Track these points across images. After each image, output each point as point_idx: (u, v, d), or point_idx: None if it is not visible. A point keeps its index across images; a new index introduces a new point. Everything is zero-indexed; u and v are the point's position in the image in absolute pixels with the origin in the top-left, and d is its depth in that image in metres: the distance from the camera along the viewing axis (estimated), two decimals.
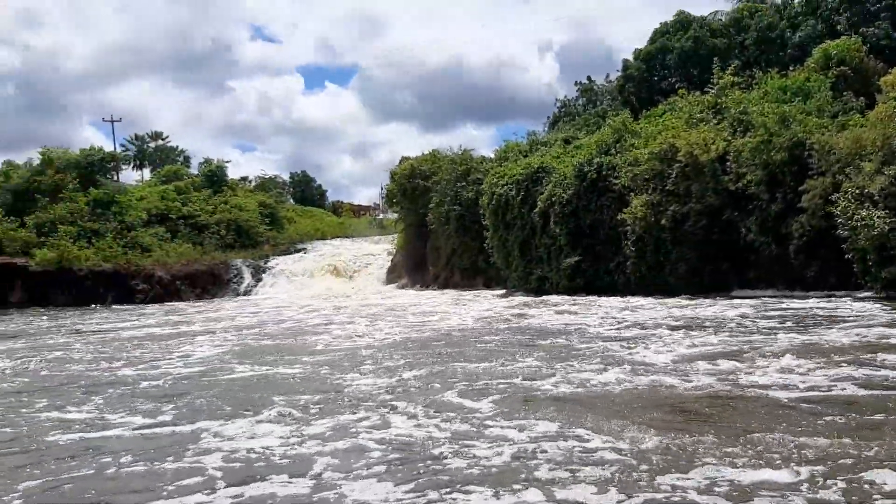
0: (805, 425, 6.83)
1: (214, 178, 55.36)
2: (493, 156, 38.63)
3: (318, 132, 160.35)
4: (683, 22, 39.55)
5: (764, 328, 14.19)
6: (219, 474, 6.17)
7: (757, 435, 6.52)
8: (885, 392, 8.13)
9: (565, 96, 51.99)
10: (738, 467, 5.69)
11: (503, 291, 31.29)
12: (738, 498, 5.13)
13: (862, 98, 24.08)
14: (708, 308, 18.91)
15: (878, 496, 5.03)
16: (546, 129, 47.75)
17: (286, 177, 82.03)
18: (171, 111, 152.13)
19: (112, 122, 67.22)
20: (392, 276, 44.10)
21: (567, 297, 25.39)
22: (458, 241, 36.55)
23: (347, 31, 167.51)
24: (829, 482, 5.29)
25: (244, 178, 67.21)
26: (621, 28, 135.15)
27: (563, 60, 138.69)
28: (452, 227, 36.39)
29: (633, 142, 27.13)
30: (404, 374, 10.82)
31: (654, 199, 24.25)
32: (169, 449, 7.05)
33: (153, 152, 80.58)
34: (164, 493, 5.78)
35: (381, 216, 66.97)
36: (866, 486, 5.22)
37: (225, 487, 5.83)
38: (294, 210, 64.30)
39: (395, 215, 48.25)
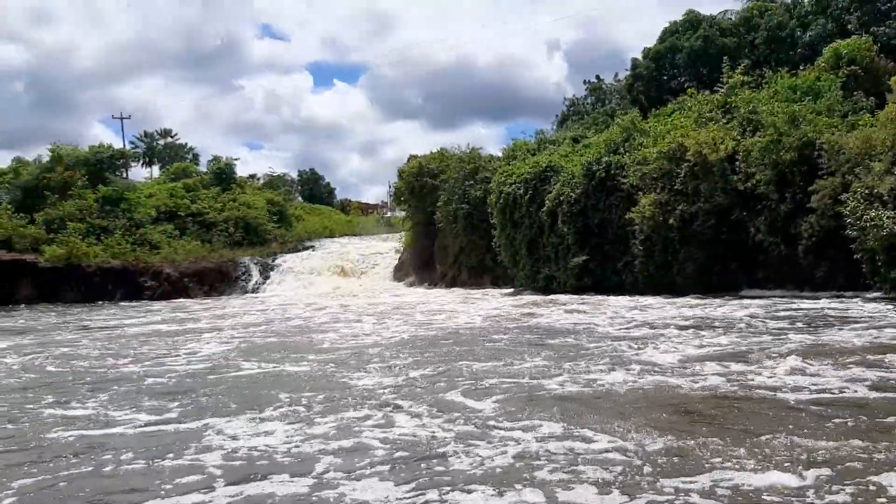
0: (813, 427, 6.75)
1: (223, 175, 55.51)
2: (501, 154, 38.60)
3: (327, 130, 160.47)
4: (693, 21, 39.41)
5: (774, 329, 14.09)
6: (218, 472, 6.13)
7: (764, 437, 6.44)
8: None
9: (574, 95, 52.02)
10: (744, 470, 5.62)
11: (511, 290, 31.23)
12: (743, 501, 5.06)
13: (872, 98, 23.92)
14: (717, 308, 18.81)
15: (888, 500, 4.95)
16: (554, 127, 47.69)
17: (294, 175, 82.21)
18: (180, 109, 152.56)
19: (121, 119, 67.66)
20: (399, 274, 44.09)
21: (575, 297, 25.31)
22: (466, 239, 36.51)
23: (356, 29, 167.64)
24: (837, 486, 5.21)
25: (252, 176, 67.35)
26: (630, 27, 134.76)
27: (571, 59, 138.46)
28: (460, 225, 36.35)
29: (641, 141, 27.02)
30: (411, 372, 10.78)
31: (663, 199, 24.15)
32: (170, 447, 7.02)
33: (162, 150, 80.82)
34: (163, 491, 5.73)
35: (388, 214, 67.01)
36: (876, 489, 5.14)
37: (224, 486, 5.78)
38: (302, 208, 64.41)
39: (403, 213, 48.23)
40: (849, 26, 32.39)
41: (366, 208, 79.91)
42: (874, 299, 18.60)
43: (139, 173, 74.14)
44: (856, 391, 8.26)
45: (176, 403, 9.10)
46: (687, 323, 15.75)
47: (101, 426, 8.08)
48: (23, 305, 36.42)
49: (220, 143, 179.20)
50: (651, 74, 39.36)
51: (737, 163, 23.09)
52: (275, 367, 11.97)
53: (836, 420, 6.99)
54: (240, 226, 49.12)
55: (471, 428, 7.26)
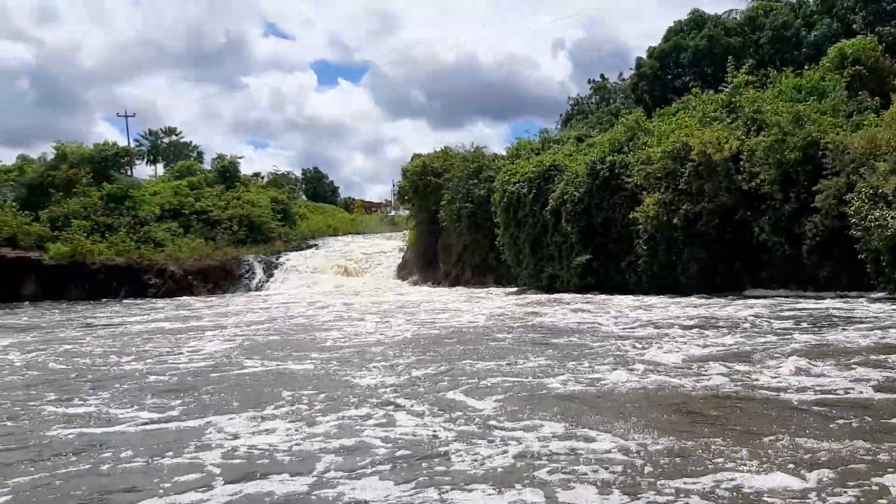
0: (816, 428, 6.71)
1: (227, 173, 55.58)
2: (505, 153, 38.60)
3: (331, 129, 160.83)
4: (698, 20, 39.32)
5: (779, 329, 14.02)
6: (217, 471, 6.11)
7: (767, 438, 6.41)
8: None
9: (578, 94, 51.93)
10: (745, 471, 5.58)
11: (514, 289, 31.22)
12: (744, 503, 5.04)
13: (877, 98, 23.87)
14: (721, 308, 18.75)
15: (889, 502, 4.92)
16: (559, 126, 47.69)
17: (298, 173, 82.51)
18: (184, 107, 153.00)
19: (126, 117, 67.55)
20: (403, 272, 44.09)
21: (578, 296, 25.29)
22: (470, 238, 36.50)
23: (360, 28, 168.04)
24: (840, 487, 5.18)
25: (257, 174, 67.52)
26: (635, 26, 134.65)
27: (576, 58, 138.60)
28: (464, 224, 36.33)
29: (645, 140, 26.97)
30: (413, 371, 10.76)
31: (667, 198, 24.10)
32: (170, 445, 7.00)
33: (167, 148, 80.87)
34: (161, 490, 5.71)
35: (392, 213, 67.06)
36: (879, 491, 5.10)
37: (223, 485, 5.76)
38: (306, 206, 64.46)
39: (407, 212, 48.28)
40: (854, 26, 32.31)
41: (369, 207, 79.94)
42: (878, 299, 18.54)
43: (144, 171, 74.34)
44: (861, 392, 8.20)
45: (178, 401, 9.09)
46: (691, 323, 15.70)
47: (101, 424, 8.06)
48: (27, 303, 36.49)
49: (224, 141, 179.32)
50: (655, 74, 39.28)
51: (741, 162, 23.05)
52: (277, 365, 11.95)
53: (840, 421, 6.95)
54: (244, 224, 49.15)
55: (472, 427, 7.24)
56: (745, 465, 5.74)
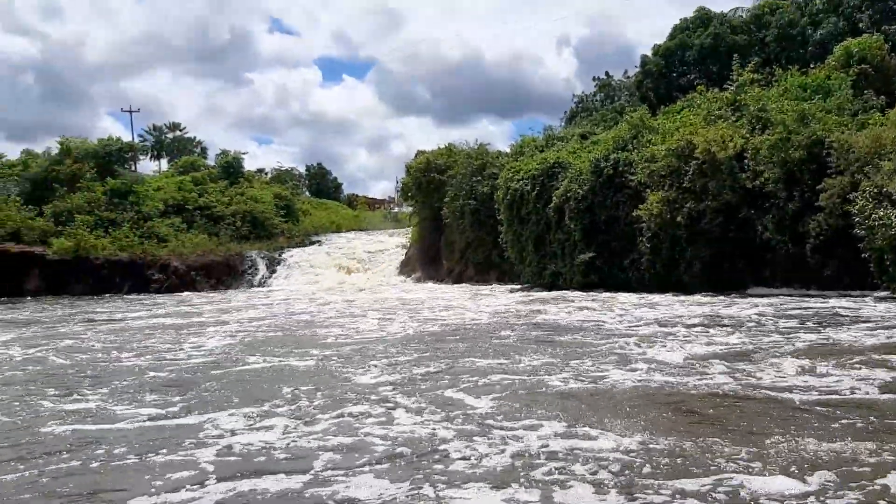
0: (817, 428, 6.65)
1: (231, 169, 55.51)
2: (508, 150, 38.49)
3: (335, 125, 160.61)
4: (703, 18, 39.25)
5: (784, 328, 13.95)
6: (211, 468, 6.04)
7: (768, 438, 6.34)
8: None
9: (583, 91, 51.96)
10: (745, 472, 5.52)
11: (517, 286, 31.15)
12: None
13: (883, 96, 23.78)
14: (726, 307, 18.67)
15: (889, 502, 4.88)
16: (563, 124, 47.60)
17: (302, 169, 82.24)
18: (189, 102, 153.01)
19: (130, 112, 67.53)
20: (406, 269, 44.02)
21: (582, 293, 25.21)
22: (473, 235, 36.41)
23: (365, 24, 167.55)
24: (842, 488, 5.12)
25: (260, 170, 67.43)
26: (640, 24, 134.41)
27: (581, 55, 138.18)
28: (467, 221, 36.25)
29: (650, 138, 26.90)
30: (415, 369, 10.72)
31: (671, 196, 24.03)
32: (165, 442, 6.95)
33: (171, 143, 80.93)
34: (152, 488, 5.63)
35: (395, 209, 66.98)
36: (881, 491, 5.04)
37: (216, 483, 5.70)
38: (309, 202, 64.34)
39: (410, 209, 48.21)
40: (860, 24, 32.22)
41: (373, 203, 79.79)
42: (882, 299, 18.47)
43: (147, 166, 74.38)
44: (867, 392, 8.12)
45: (177, 398, 9.05)
46: (695, 321, 15.63)
47: (97, 420, 8.01)
48: (30, 298, 36.51)
49: (228, 137, 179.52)
50: (661, 71, 39.22)
51: (745, 161, 22.97)
52: (279, 361, 11.92)
53: (844, 421, 6.87)
54: (247, 220, 49.07)
55: (471, 426, 7.18)
56: (745, 466, 5.67)
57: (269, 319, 20.19)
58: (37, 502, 5.52)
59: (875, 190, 19.13)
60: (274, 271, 44.44)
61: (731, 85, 27.82)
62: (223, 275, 43.33)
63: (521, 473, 5.67)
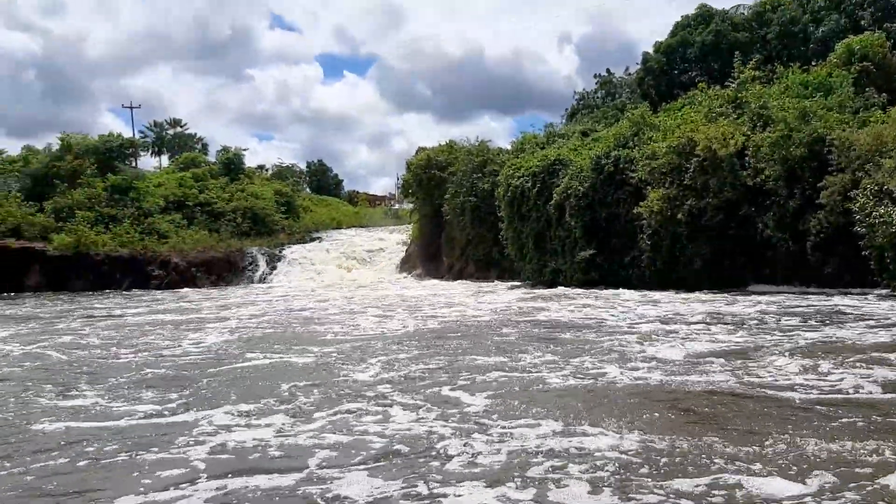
0: (818, 427, 6.58)
1: (231, 165, 55.50)
2: (509, 147, 38.43)
3: (336, 122, 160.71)
4: (705, 15, 39.18)
5: (785, 326, 13.88)
6: (202, 466, 5.98)
7: (768, 438, 6.28)
8: None
9: (584, 89, 51.80)
10: (743, 472, 5.45)
11: (517, 283, 31.11)
12: None
13: (884, 94, 23.74)
14: (728, 304, 18.60)
15: (890, 502, 4.83)
16: (564, 121, 47.55)
17: (303, 166, 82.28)
18: (189, 98, 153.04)
19: (131, 108, 67.70)
20: (406, 266, 44.02)
21: (582, 291, 25.16)
22: (474, 232, 36.38)
23: (367, 21, 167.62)
24: (841, 489, 5.05)
25: (261, 167, 67.51)
26: (642, 21, 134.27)
27: (582, 53, 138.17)
28: (468, 218, 36.22)
29: (651, 135, 26.87)
30: (413, 366, 10.66)
31: (671, 193, 23.99)
32: (157, 439, 6.89)
33: (171, 139, 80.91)
34: (140, 486, 5.54)
35: (396, 206, 66.86)
36: (883, 493, 4.98)
37: (206, 480, 5.63)
38: (310, 199, 64.28)
39: (411, 206, 48.13)
40: (862, 22, 32.15)
41: (373, 200, 79.71)
42: (883, 296, 18.42)
43: (148, 163, 74.43)
44: (869, 391, 8.05)
45: (173, 394, 8.99)
46: (696, 319, 15.56)
47: (91, 417, 7.93)
48: (30, 293, 36.51)
49: (229, 133, 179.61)
50: (662, 69, 39.16)
51: (746, 158, 22.94)
52: (278, 358, 11.85)
53: (844, 420, 6.81)
54: (247, 216, 49.06)
55: (469, 423, 7.13)
56: (744, 466, 5.60)
57: (269, 316, 20.13)
58: (19, 501, 5.43)
59: (876, 187, 19.09)
60: (274, 268, 44.43)
61: (732, 82, 27.80)
62: (223, 271, 43.33)
63: (517, 472, 5.61)
